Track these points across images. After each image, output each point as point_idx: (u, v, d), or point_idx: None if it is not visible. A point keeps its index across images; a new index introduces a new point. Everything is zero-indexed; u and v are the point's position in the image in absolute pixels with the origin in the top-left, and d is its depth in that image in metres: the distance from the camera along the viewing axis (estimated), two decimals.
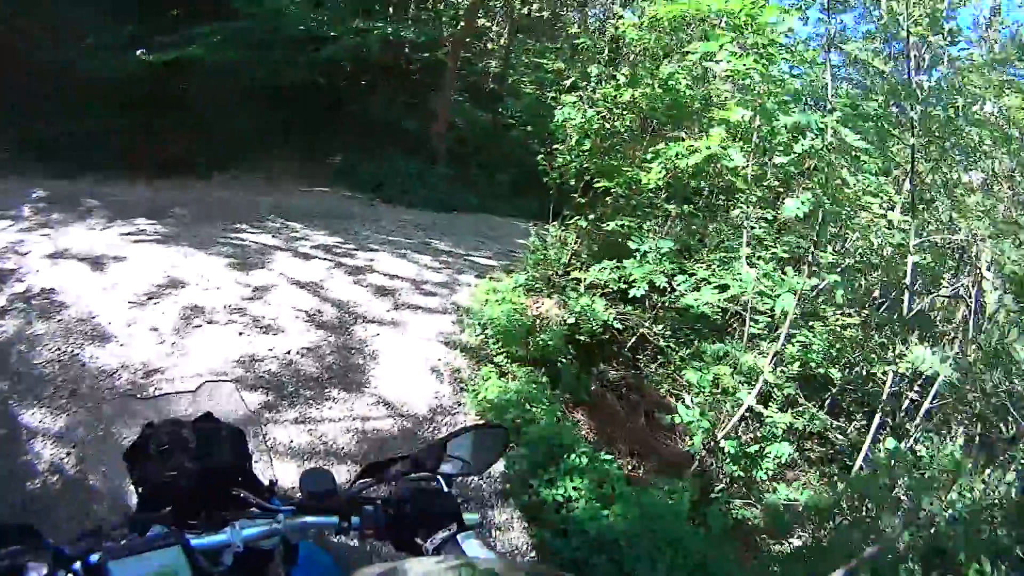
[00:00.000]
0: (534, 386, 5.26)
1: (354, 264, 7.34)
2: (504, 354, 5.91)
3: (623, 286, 6.61)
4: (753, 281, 5.33)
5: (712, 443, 5.84)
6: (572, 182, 8.32)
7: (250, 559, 1.11)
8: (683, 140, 7.52)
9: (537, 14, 18.58)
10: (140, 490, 1.28)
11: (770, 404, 6.19)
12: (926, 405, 5.84)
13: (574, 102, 7.51)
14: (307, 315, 5.66)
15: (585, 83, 8.14)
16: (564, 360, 6.37)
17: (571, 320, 6.74)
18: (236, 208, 8.94)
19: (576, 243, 8.66)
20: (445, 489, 1.29)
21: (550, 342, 6.23)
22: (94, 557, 0.96)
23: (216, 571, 1.04)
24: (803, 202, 4.78)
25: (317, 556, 1.37)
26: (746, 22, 5.32)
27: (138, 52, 8.92)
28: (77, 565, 0.95)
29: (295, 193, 10.98)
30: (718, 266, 6.21)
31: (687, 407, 6.03)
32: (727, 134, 5.59)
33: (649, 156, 7.84)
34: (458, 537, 1.16)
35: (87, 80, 9.21)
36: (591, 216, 8.34)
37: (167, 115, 10.27)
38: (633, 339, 7.70)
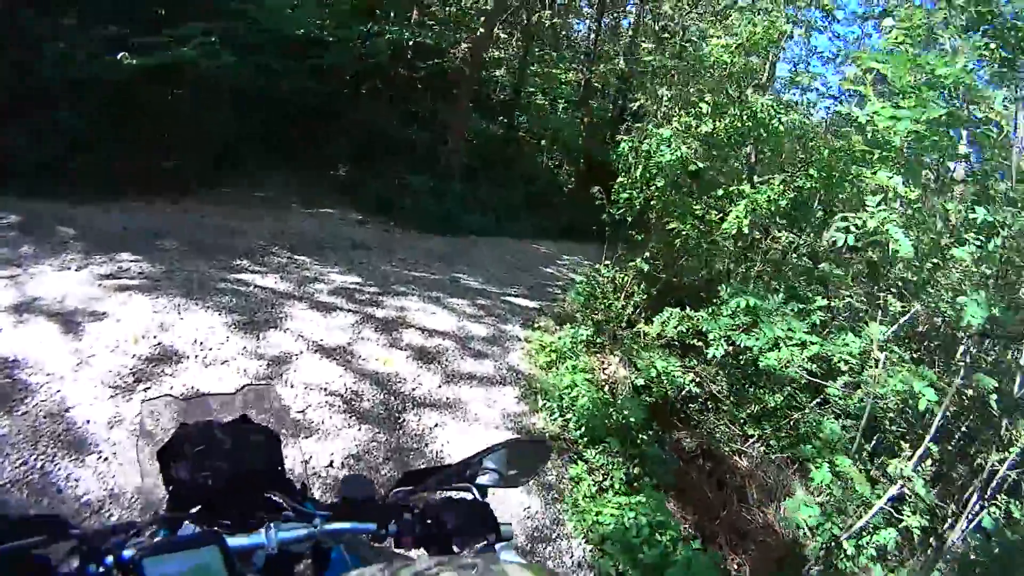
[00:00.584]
0: (656, 505, 4.08)
1: (384, 316, 6.12)
2: (587, 439, 4.92)
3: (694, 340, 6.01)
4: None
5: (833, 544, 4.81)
6: (629, 219, 7.27)
7: (281, 562, 1.10)
8: (772, 182, 6.50)
9: (548, 22, 17.41)
10: (171, 488, 1.29)
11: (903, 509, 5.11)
12: None
13: (669, 136, 6.37)
14: (343, 401, 4.42)
15: (655, 107, 7.12)
16: (646, 436, 5.31)
17: (640, 381, 5.95)
18: (233, 236, 7.65)
19: (631, 285, 7.60)
20: (480, 500, 1.22)
21: (632, 418, 5.22)
22: (127, 552, 0.97)
23: (248, 572, 1.05)
24: (979, 304, 3.69)
25: (348, 562, 1.24)
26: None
27: (119, 56, 7.54)
28: (109, 559, 0.97)
29: (298, 215, 9.67)
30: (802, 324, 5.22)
31: (807, 504, 4.93)
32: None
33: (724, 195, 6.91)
34: (496, 547, 1.15)
35: (63, 85, 7.82)
36: (647, 255, 7.32)
37: (152, 125, 8.92)
38: (702, 399, 6.65)
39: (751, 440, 6.13)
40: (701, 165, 6.50)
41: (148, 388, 4.06)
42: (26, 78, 7.47)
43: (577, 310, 7.83)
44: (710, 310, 5.72)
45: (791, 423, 5.98)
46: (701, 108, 6.57)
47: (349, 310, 6.04)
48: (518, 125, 16.57)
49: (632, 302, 7.51)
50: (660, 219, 7.16)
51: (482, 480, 1.27)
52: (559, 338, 6.59)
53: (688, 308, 6.34)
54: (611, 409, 5.22)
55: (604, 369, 6.50)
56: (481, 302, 7.52)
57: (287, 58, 10.90)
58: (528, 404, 5.27)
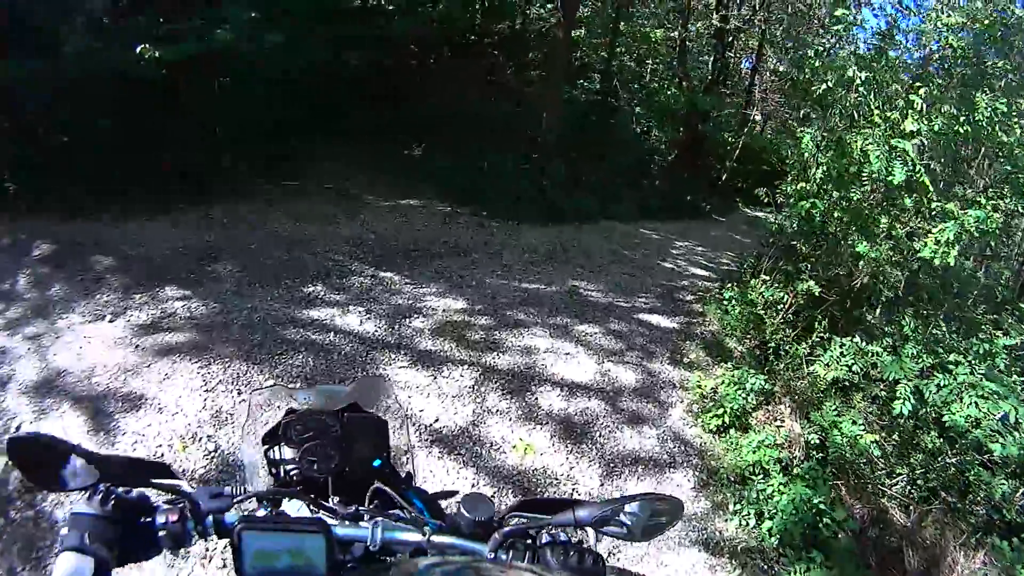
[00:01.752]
0: None
1: (509, 367, 4.61)
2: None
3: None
4: None
5: None
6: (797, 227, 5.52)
7: (376, 556, 1.09)
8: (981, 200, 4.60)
9: None
10: (274, 472, 1.29)
11: None
12: None
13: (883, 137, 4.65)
14: None
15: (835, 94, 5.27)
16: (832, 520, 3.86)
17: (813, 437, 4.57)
18: (302, 248, 6.23)
19: (789, 308, 5.89)
20: (596, 552, 1.11)
21: (818, 498, 3.86)
22: (231, 518, 1.00)
23: (347, 561, 1.05)
24: None
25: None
26: None
27: (138, 49, 6.06)
28: (210, 520, 1.00)
29: (374, 211, 8.11)
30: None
31: None
32: None
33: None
34: None
35: (92, 84, 6.45)
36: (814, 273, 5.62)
37: (198, 121, 7.50)
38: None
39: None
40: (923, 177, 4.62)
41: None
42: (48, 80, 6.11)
43: (726, 332, 6.18)
44: (883, 344, 4.74)
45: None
46: (912, 101, 4.68)
47: (463, 361, 4.51)
48: (612, 92, 14.54)
49: (789, 327, 5.85)
50: (844, 236, 5.39)
51: (610, 529, 1.11)
52: (722, 383, 5.03)
53: (854, 336, 4.87)
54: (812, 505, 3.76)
55: (776, 423, 4.84)
56: (615, 326, 5.89)
57: (345, 30, 9.34)
58: (708, 497, 3.90)
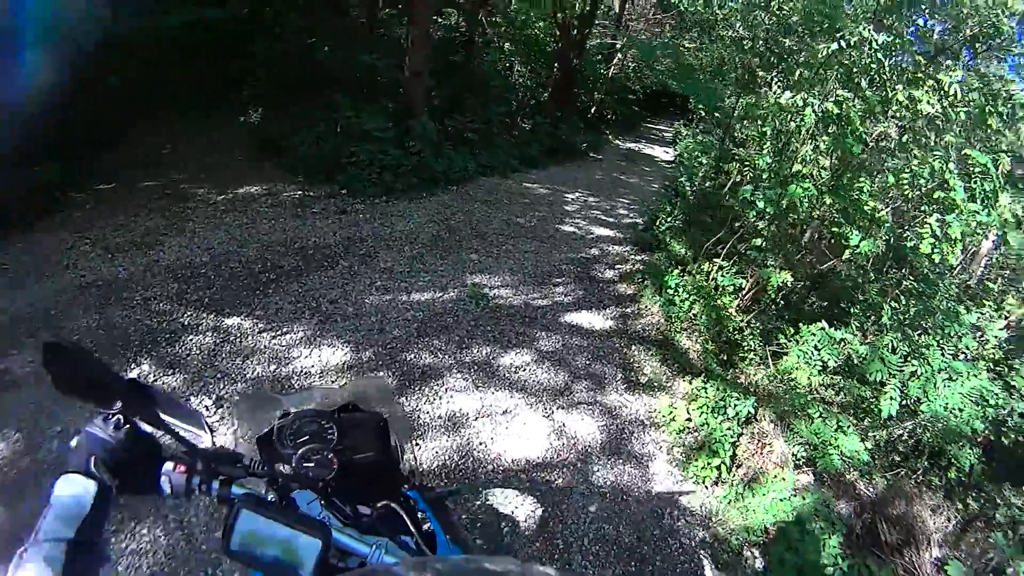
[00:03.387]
0: None
1: (434, 459, 3.34)
2: None
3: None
4: None
5: None
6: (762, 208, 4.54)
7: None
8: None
9: None
10: (271, 475, 1.21)
11: None
12: None
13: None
14: None
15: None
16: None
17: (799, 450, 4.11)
18: (117, 306, 4.42)
19: (749, 297, 5.08)
20: None
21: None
22: (237, 489, 1.00)
23: (340, 568, 1.02)
24: None
25: None
26: None
27: None
28: (215, 485, 1.00)
29: (209, 212, 6.16)
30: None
31: None
32: None
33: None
34: None
35: None
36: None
37: None
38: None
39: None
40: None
41: None
42: None
43: (675, 329, 5.25)
44: (854, 329, 4.52)
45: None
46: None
47: None
48: (475, 28, 12.81)
49: (750, 316, 5.06)
50: (831, 223, 4.55)
51: None
52: (698, 409, 4.29)
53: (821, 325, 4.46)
54: None
55: (765, 451, 4.07)
56: (545, 344, 4.80)
57: None
58: None
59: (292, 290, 4.91)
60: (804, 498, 3.72)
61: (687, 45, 15.65)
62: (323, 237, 6.01)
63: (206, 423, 1.10)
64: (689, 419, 4.19)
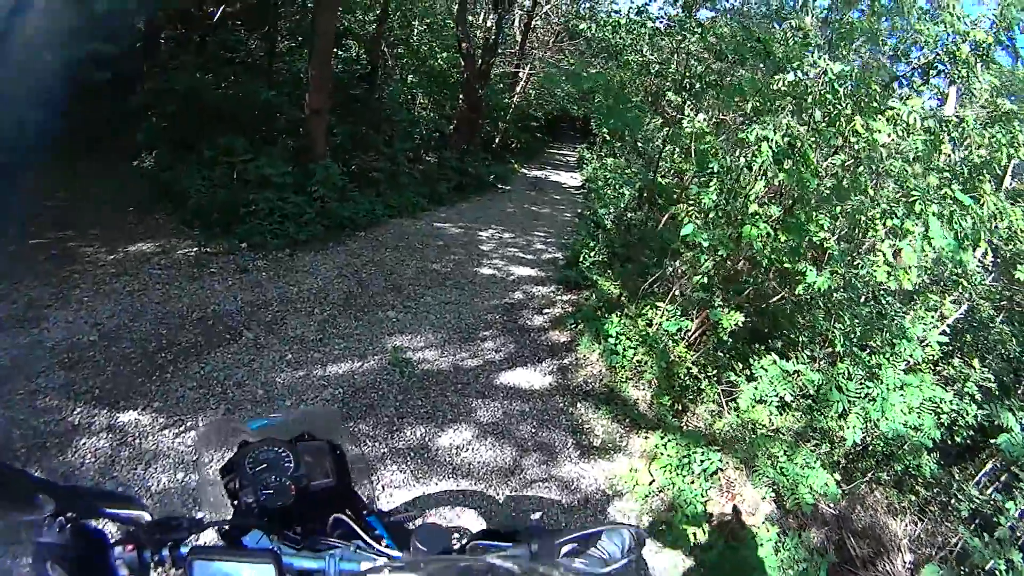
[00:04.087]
0: None
1: None
2: None
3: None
4: None
5: None
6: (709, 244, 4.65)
7: None
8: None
9: None
10: (235, 504, 1.31)
11: None
12: None
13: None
14: None
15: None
16: None
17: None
18: None
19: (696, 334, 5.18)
20: None
21: None
22: (184, 550, 1.01)
23: None
24: None
25: None
26: None
27: None
28: (165, 552, 1.02)
29: (98, 277, 5.57)
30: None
31: None
32: None
33: None
34: None
35: None
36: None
37: None
38: None
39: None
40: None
41: None
42: None
43: (619, 378, 5.30)
44: (805, 358, 4.63)
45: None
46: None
47: None
48: (377, 61, 12.51)
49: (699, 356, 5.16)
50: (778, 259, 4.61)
51: (577, 564, 1.09)
52: (660, 468, 4.29)
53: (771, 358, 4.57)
54: None
55: (736, 500, 4.14)
56: (484, 414, 4.79)
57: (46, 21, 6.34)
58: None
59: (192, 372, 4.52)
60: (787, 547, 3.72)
61: (590, 71, 16.03)
62: (223, 303, 5.62)
63: (138, 499, 1.08)
64: (652, 480, 4.15)
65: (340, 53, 12.58)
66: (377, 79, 12.16)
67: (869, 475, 4.39)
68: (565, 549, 1.10)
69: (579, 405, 5.06)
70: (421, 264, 7.64)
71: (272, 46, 10.26)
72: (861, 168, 4.61)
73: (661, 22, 8.39)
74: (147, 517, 1.05)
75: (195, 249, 6.58)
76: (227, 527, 1.17)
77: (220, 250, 6.69)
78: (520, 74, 18.01)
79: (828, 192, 4.58)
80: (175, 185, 7.40)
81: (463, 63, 13.81)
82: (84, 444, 3.63)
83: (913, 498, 4.29)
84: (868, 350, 4.51)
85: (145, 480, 3.45)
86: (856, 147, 4.38)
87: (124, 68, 7.98)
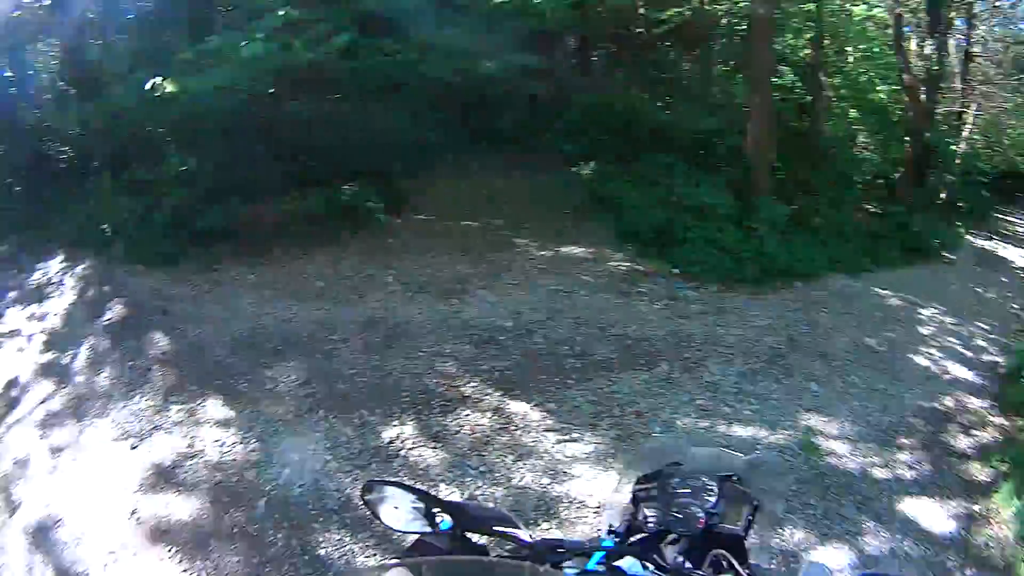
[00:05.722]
0: None
1: None
2: None
3: None
4: None
5: None
6: None
7: None
8: None
9: None
10: (635, 514, 1.28)
11: None
12: None
13: None
14: None
15: None
16: None
17: None
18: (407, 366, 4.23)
19: None
20: None
21: None
22: (569, 571, 0.97)
23: None
24: None
25: None
26: None
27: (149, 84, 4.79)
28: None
29: (524, 268, 5.91)
30: None
31: None
32: None
33: None
34: None
35: None
36: None
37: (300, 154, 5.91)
38: None
39: None
40: None
41: None
42: None
43: None
44: None
45: None
46: None
47: None
48: (812, 90, 11.37)
49: None
50: None
51: None
52: None
53: None
54: None
55: None
56: (870, 544, 3.61)
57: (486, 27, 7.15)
58: None
59: (596, 387, 4.32)
60: None
61: None
62: (645, 327, 5.31)
63: (517, 520, 1.08)
64: None
65: (774, 80, 11.74)
66: (816, 112, 10.99)
67: None
68: None
69: (967, 572, 3.58)
70: (856, 335, 6.40)
71: (707, 69, 9.92)
72: None
73: None
74: (525, 536, 1.04)
75: (627, 264, 6.48)
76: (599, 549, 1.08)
77: (651, 270, 6.48)
78: (965, 115, 14.84)
79: None
80: (612, 198, 7.48)
81: (906, 98, 11.74)
82: (467, 416, 3.73)
83: None
84: None
85: (509, 471, 3.38)
86: None
87: (558, 81, 8.47)
